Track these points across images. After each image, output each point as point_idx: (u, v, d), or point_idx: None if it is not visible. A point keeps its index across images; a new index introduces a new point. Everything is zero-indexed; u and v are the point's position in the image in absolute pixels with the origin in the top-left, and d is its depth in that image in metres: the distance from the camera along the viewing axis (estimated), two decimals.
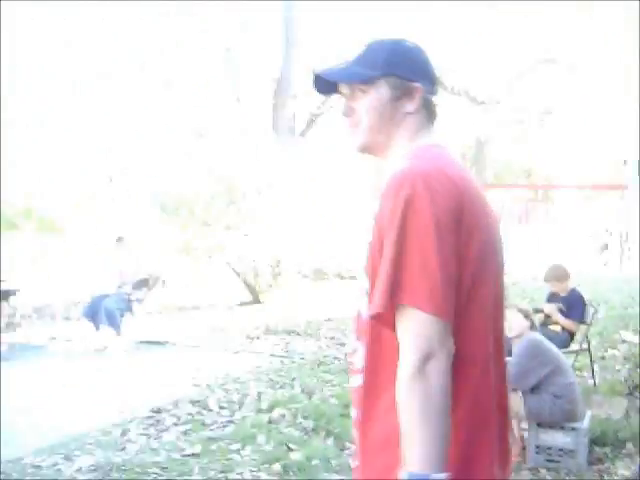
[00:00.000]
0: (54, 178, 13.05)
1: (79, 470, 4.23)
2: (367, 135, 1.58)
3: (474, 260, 1.41)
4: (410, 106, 1.56)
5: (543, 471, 4.29)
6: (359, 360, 1.49)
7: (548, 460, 4.34)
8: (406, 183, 1.38)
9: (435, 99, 1.62)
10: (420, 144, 1.55)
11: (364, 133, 1.58)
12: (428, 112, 1.60)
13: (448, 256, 1.36)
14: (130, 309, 8.33)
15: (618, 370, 6.65)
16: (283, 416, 5.22)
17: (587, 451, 4.34)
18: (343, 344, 7.95)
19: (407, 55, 1.60)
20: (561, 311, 6.03)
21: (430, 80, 1.60)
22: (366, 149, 1.61)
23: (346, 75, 1.59)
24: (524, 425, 4.47)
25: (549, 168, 22.52)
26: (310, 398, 5.74)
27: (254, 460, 4.37)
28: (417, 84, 1.56)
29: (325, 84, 1.63)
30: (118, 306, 8.13)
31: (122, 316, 8.17)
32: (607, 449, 4.52)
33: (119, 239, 8.63)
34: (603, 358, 7.19)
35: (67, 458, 4.43)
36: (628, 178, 12.65)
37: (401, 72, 1.56)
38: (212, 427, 5.09)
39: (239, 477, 4.14)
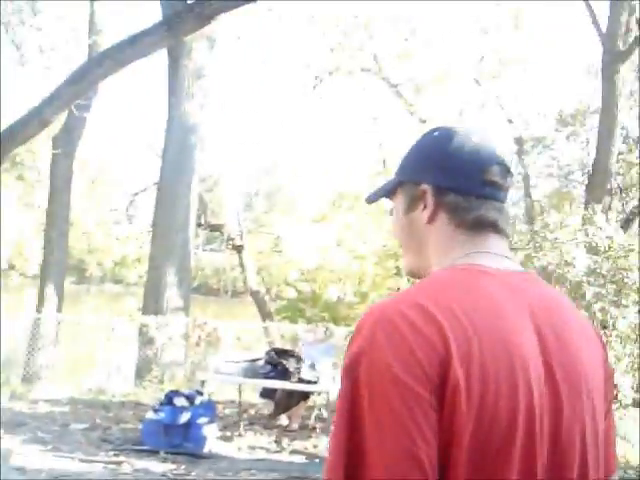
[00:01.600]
0: None
1: None
2: (405, 257, 1.33)
3: (474, 440, 1.00)
4: (422, 215, 1.24)
5: None
6: None
7: None
8: (364, 327, 1.06)
9: (480, 200, 1.22)
10: (443, 266, 1.20)
11: (403, 255, 1.33)
12: (460, 219, 1.21)
13: (408, 425, 0.98)
14: None
15: None
16: None
17: None
18: None
19: (421, 149, 1.29)
20: None
21: (455, 172, 1.22)
22: (411, 274, 1.34)
23: (373, 194, 1.38)
24: None
25: None
26: None
27: None
28: (423, 185, 1.24)
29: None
30: None
31: None
32: None
33: None
34: None
35: None
36: None
37: (408, 174, 1.29)
38: None
39: None
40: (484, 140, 1.25)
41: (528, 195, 18.87)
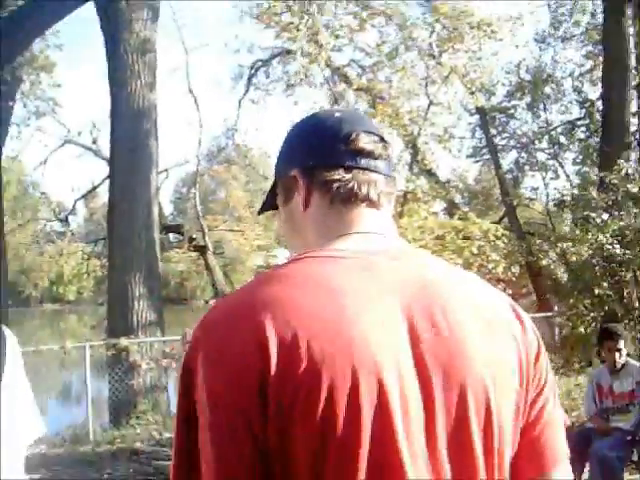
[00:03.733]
0: None
1: None
2: (290, 249, 1.29)
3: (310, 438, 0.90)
4: (298, 203, 1.17)
5: None
6: None
7: None
8: (197, 328, 0.99)
9: (351, 172, 1.13)
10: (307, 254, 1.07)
11: (290, 251, 1.29)
12: (332, 194, 1.13)
13: (225, 439, 0.91)
14: None
15: None
16: None
17: None
18: None
19: (285, 141, 1.23)
20: None
21: (319, 148, 1.14)
22: None
23: (262, 205, 1.33)
24: None
25: None
26: None
27: None
28: (292, 171, 1.16)
29: None
30: None
31: None
32: None
33: None
34: None
35: None
36: None
37: (281, 170, 1.21)
38: None
39: None
40: (348, 113, 1.23)
41: (498, 166, 17.99)
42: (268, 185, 1.31)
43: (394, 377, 0.95)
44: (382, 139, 1.17)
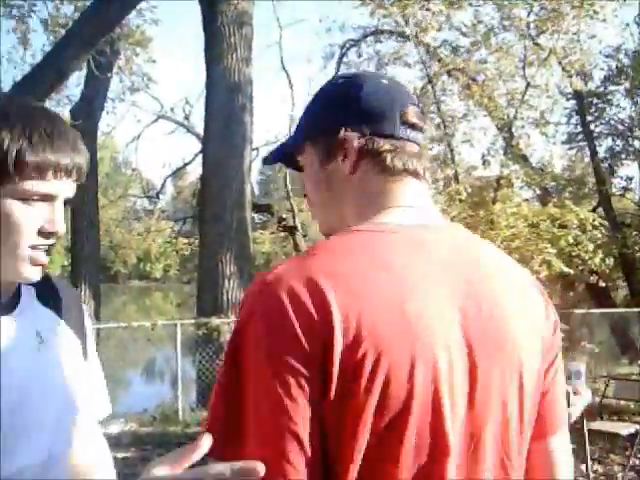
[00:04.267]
0: None
1: None
2: (322, 216, 1.22)
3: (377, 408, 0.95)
4: (343, 166, 1.14)
5: None
6: None
7: None
8: (247, 298, 1.02)
9: (402, 143, 1.14)
10: (358, 225, 1.09)
11: (315, 216, 1.23)
12: (384, 165, 1.13)
13: (284, 403, 0.94)
14: None
15: None
16: None
17: None
18: None
19: (330, 98, 1.19)
20: None
21: (374, 116, 1.13)
22: (326, 232, 1.21)
23: (274, 154, 1.31)
24: None
25: None
26: None
27: None
28: (342, 133, 1.13)
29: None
30: None
31: None
32: None
33: None
34: None
35: None
36: None
37: (322, 124, 1.16)
38: None
39: None
40: (394, 82, 1.22)
41: (594, 153, 17.08)
42: None
43: (445, 353, 1.00)
44: (423, 112, 1.22)
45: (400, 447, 0.97)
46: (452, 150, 14.18)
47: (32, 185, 1.16)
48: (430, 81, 14.36)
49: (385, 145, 1.12)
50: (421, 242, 1.07)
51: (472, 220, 12.22)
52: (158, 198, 21.08)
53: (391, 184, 1.13)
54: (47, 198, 1.19)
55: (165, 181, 20.86)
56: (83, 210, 11.12)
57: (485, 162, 12.96)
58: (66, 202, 1.24)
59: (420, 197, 1.15)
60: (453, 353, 1.01)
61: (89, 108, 11.63)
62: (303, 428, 0.93)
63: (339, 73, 1.62)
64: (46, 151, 1.16)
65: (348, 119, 1.13)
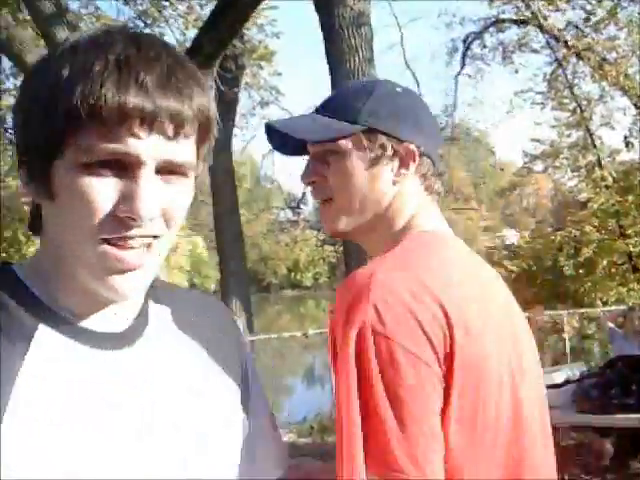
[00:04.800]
0: None
1: None
2: (347, 215, 1.17)
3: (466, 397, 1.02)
4: (400, 175, 1.16)
5: None
6: None
7: None
8: (363, 297, 0.99)
9: (437, 166, 1.20)
10: (413, 230, 1.14)
11: (340, 212, 1.17)
12: (428, 183, 1.18)
13: (425, 401, 0.98)
14: None
15: None
16: None
17: None
18: None
19: (397, 103, 1.17)
20: None
21: (432, 138, 1.19)
22: (341, 235, 1.22)
23: (316, 130, 1.16)
24: None
25: None
26: None
27: None
28: (412, 145, 1.15)
29: (283, 140, 1.19)
30: None
31: None
32: None
33: None
34: None
35: None
36: None
37: (389, 126, 1.15)
38: None
39: None
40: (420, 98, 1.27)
41: None
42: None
43: (513, 346, 1.12)
44: None
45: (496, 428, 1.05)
46: (592, 135, 13.37)
47: (102, 143, 0.75)
48: (560, 65, 13.58)
49: (432, 169, 1.18)
50: (470, 254, 1.17)
51: (621, 206, 11.40)
52: (300, 208, 21.35)
53: (429, 202, 1.18)
54: (125, 165, 0.78)
55: (305, 191, 21.11)
56: (225, 225, 11.42)
57: (628, 144, 12.14)
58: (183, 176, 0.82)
59: (441, 217, 1.22)
60: (517, 346, 1.13)
61: (221, 124, 11.94)
62: (439, 426, 0.98)
63: (399, 84, 1.35)
64: (129, 91, 0.75)
65: (415, 133, 1.15)
